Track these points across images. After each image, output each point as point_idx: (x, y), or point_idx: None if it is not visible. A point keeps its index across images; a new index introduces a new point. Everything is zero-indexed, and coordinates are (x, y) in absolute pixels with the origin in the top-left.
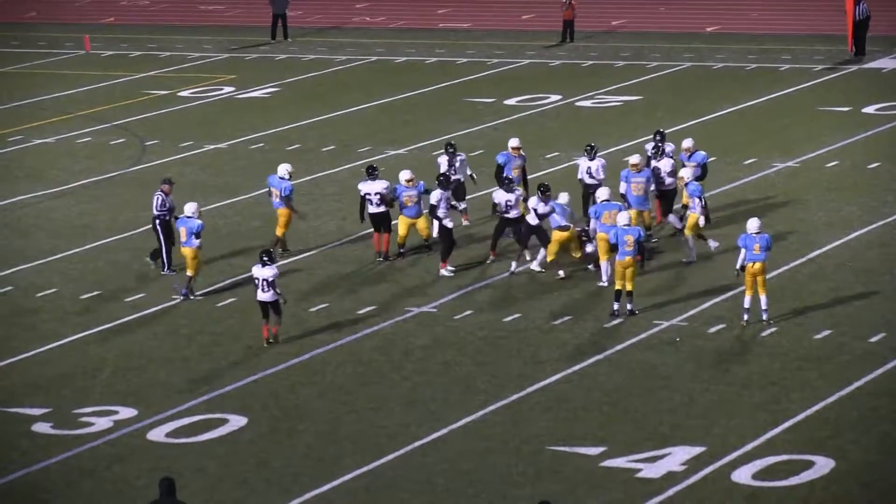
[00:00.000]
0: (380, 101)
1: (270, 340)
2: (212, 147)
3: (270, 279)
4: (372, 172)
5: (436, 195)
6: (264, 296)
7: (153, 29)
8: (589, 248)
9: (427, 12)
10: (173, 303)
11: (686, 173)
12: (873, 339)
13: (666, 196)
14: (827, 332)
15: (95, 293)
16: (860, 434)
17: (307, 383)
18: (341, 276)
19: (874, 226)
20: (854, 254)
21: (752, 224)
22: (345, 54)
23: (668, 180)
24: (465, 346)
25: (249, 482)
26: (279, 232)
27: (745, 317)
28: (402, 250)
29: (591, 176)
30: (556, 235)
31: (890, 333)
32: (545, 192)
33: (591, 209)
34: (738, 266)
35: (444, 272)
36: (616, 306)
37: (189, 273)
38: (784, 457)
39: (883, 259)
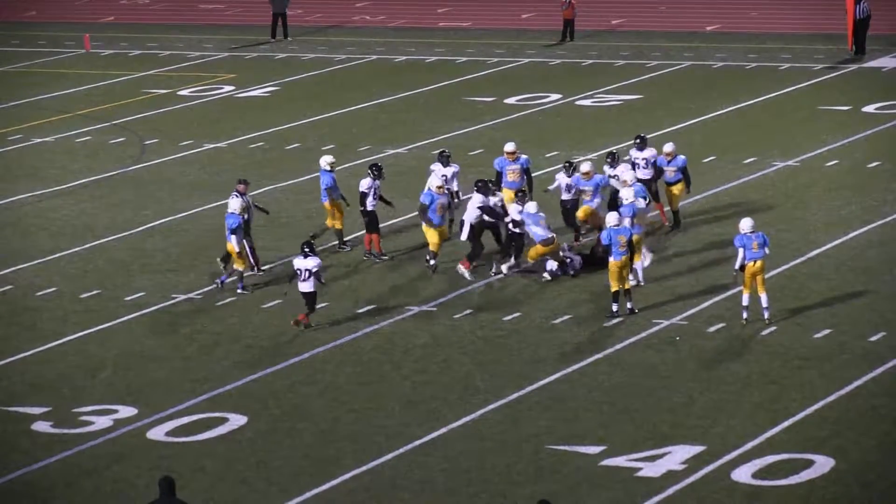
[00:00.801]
0: (380, 101)
1: (303, 328)
2: (211, 146)
3: (313, 269)
4: (378, 171)
5: (478, 199)
6: (304, 286)
7: (153, 28)
8: (551, 266)
9: (427, 12)
10: (173, 302)
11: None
12: (873, 339)
13: None
14: (827, 332)
15: (95, 293)
16: (860, 433)
17: (307, 383)
18: (341, 276)
19: (874, 225)
20: (854, 253)
21: (746, 223)
22: (345, 53)
23: None
24: (465, 346)
25: (249, 481)
26: (338, 224)
27: (745, 315)
28: (434, 262)
29: (568, 191)
30: (541, 249)
31: (890, 333)
32: (522, 198)
33: (623, 209)
34: (736, 266)
35: (463, 271)
36: (615, 308)
37: (243, 266)
38: (784, 456)
39: (883, 259)
